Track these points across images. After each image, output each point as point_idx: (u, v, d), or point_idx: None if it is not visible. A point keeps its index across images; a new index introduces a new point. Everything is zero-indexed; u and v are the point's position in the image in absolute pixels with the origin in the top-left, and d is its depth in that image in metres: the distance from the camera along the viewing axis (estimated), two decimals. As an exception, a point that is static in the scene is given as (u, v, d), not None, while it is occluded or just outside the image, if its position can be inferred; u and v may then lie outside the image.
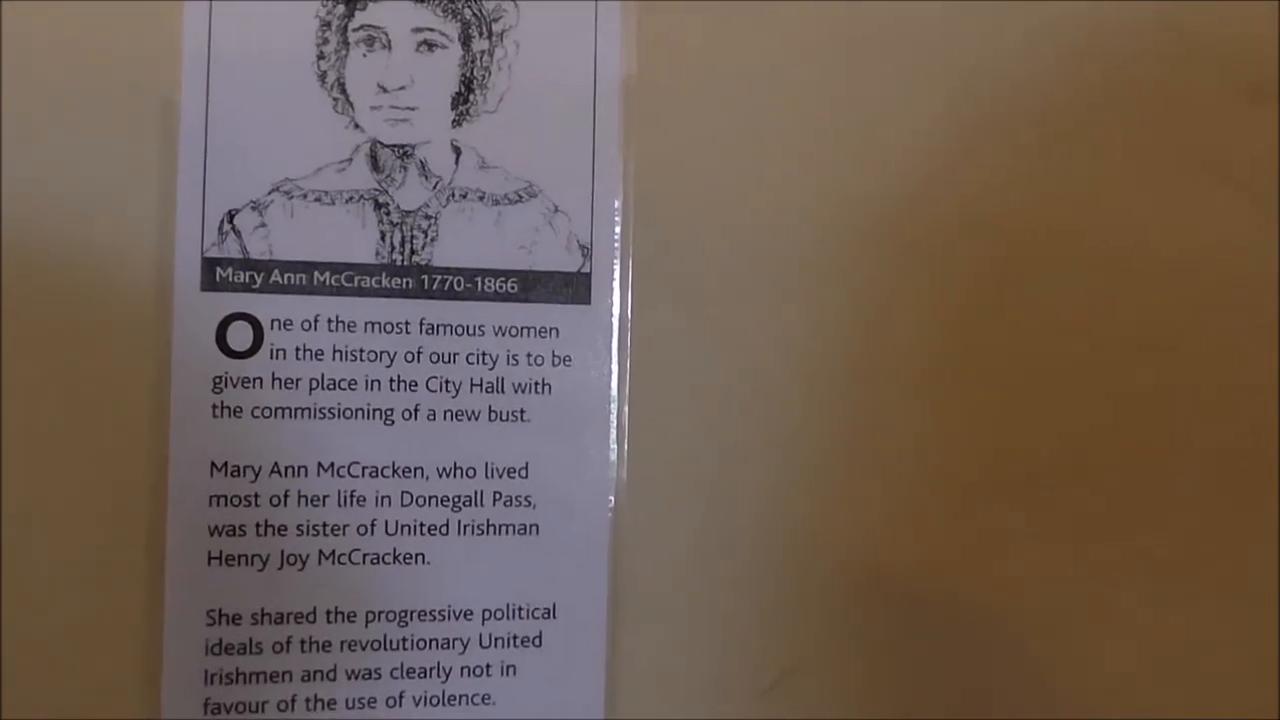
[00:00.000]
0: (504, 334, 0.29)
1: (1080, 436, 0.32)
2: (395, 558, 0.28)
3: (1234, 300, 0.33)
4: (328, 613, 0.28)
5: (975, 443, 0.31)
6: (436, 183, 0.29)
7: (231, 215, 0.28)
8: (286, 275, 0.28)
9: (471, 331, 0.29)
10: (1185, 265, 0.33)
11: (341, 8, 0.28)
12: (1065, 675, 0.33)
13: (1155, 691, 0.33)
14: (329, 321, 0.28)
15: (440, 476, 0.29)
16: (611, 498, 0.29)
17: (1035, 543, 0.32)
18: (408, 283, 0.28)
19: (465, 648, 0.29)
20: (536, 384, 0.29)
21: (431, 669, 0.29)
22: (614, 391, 0.29)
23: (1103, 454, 0.32)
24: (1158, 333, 0.33)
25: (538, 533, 0.29)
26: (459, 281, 0.29)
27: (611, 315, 0.29)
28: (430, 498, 0.29)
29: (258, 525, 0.28)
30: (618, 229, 0.29)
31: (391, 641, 0.28)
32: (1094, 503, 0.32)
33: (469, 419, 0.29)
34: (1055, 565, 0.32)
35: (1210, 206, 0.33)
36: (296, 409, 0.28)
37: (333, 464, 0.28)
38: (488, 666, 0.29)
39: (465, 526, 0.29)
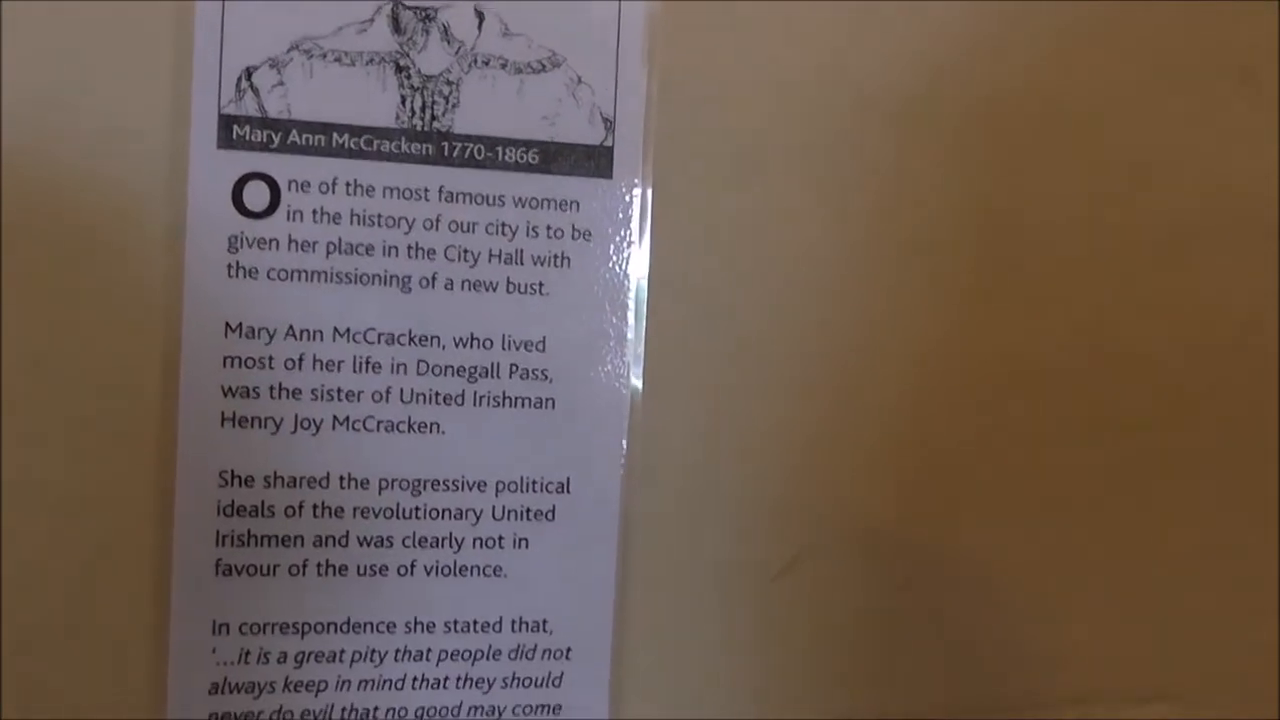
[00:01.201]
0: (524, 205, 0.28)
1: (1092, 331, 0.32)
2: (410, 426, 0.28)
3: (1250, 207, 0.33)
4: (340, 479, 0.28)
5: (994, 334, 0.31)
6: (459, 48, 0.28)
7: (250, 72, 0.27)
8: (304, 136, 0.27)
9: (491, 201, 0.28)
10: (1202, 166, 0.33)
11: None
12: (1065, 555, 0.33)
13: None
14: (347, 185, 0.28)
15: (457, 346, 0.28)
16: (628, 375, 0.29)
17: (1046, 438, 0.32)
18: (427, 149, 0.28)
19: (478, 519, 0.29)
20: (556, 257, 0.29)
21: (444, 539, 0.28)
22: (634, 268, 0.29)
23: (1113, 352, 0.32)
24: (1171, 234, 0.33)
25: (553, 407, 0.29)
26: (479, 150, 0.28)
27: (633, 191, 0.29)
28: (446, 367, 0.28)
29: (271, 388, 0.27)
30: (642, 104, 0.29)
31: (404, 510, 0.28)
32: (1102, 401, 0.32)
33: (487, 290, 0.28)
34: (1064, 459, 0.32)
35: (1231, 108, 0.33)
36: (313, 272, 0.27)
37: (349, 329, 0.28)
38: (500, 539, 0.29)
39: (481, 398, 0.28)
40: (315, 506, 0.28)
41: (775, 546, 0.30)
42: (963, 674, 0.32)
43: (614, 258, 0.29)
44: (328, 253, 0.27)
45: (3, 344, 0.26)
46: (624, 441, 0.29)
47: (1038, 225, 0.32)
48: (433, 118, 0.28)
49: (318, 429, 0.27)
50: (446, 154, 0.28)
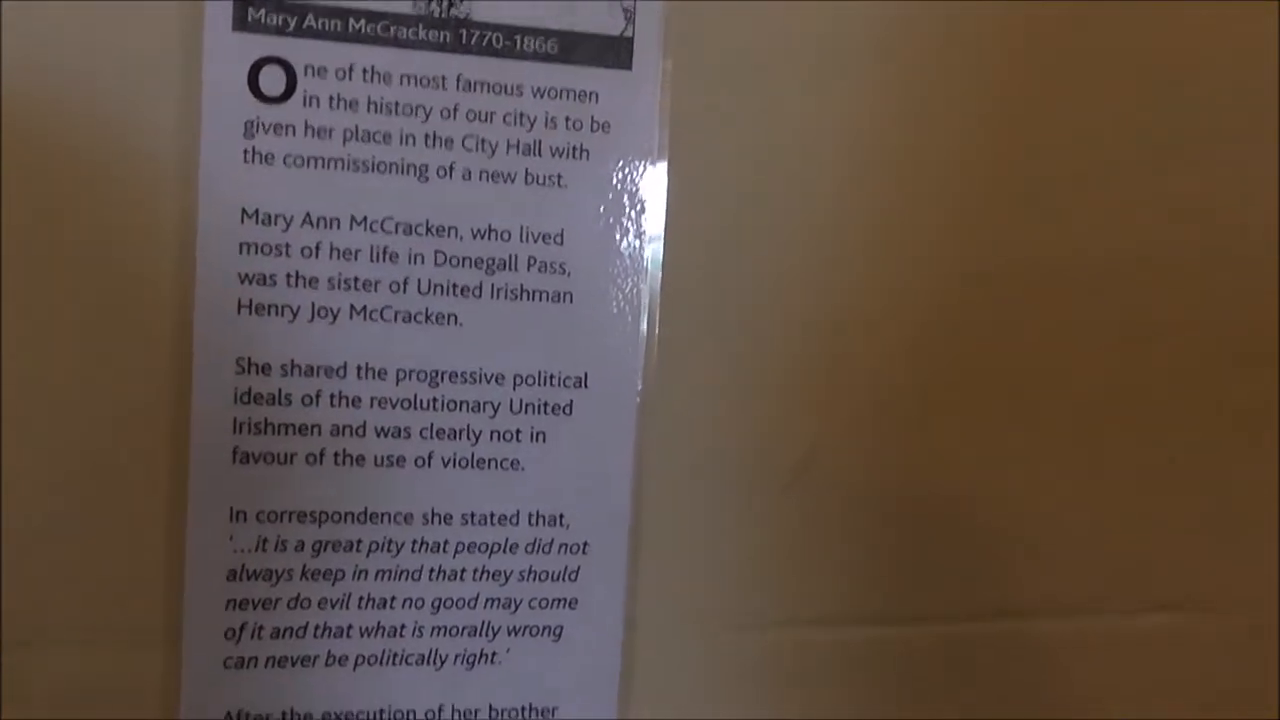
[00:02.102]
0: (542, 96, 0.28)
1: (1105, 234, 0.32)
2: (427, 317, 0.28)
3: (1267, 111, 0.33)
4: (358, 368, 0.28)
5: (1010, 236, 0.31)
6: (478, -68, 0.28)
7: (265, -47, 0.27)
8: (321, 20, 0.27)
9: (509, 91, 0.28)
10: (1220, 71, 0.32)
11: None
12: (1069, 463, 0.33)
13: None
14: (364, 72, 0.27)
15: (474, 238, 0.28)
16: (647, 269, 0.29)
17: (1058, 343, 0.32)
18: (445, 36, 0.28)
19: (495, 412, 0.28)
20: (574, 149, 0.28)
21: (461, 431, 0.28)
22: (653, 160, 0.29)
23: (1127, 256, 0.32)
24: (1184, 138, 0.32)
25: (571, 301, 0.29)
26: (498, 38, 0.28)
27: (653, 83, 0.29)
28: (464, 259, 0.28)
29: (288, 276, 0.27)
30: (662, -6, 0.29)
31: (422, 401, 0.28)
32: (1112, 304, 0.32)
33: (505, 181, 0.28)
34: (1075, 363, 0.32)
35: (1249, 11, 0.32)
36: (330, 159, 0.27)
37: (365, 218, 0.27)
38: (517, 432, 0.29)
39: (498, 290, 0.28)
40: (333, 396, 0.27)
41: (791, 442, 0.30)
42: (970, 576, 0.32)
43: (633, 150, 0.29)
44: (344, 140, 0.27)
45: (12, 234, 0.26)
46: (642, 336, 0.29)
47: (1055, 129, 0.31)
48: (450, 4, 0.27)
49: (335, 318, 0.27)
50: (464, 42, 0.28)
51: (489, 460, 0.28)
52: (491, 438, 0.28)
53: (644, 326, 0.29)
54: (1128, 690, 0.33)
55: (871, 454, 0.31)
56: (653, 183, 0.29)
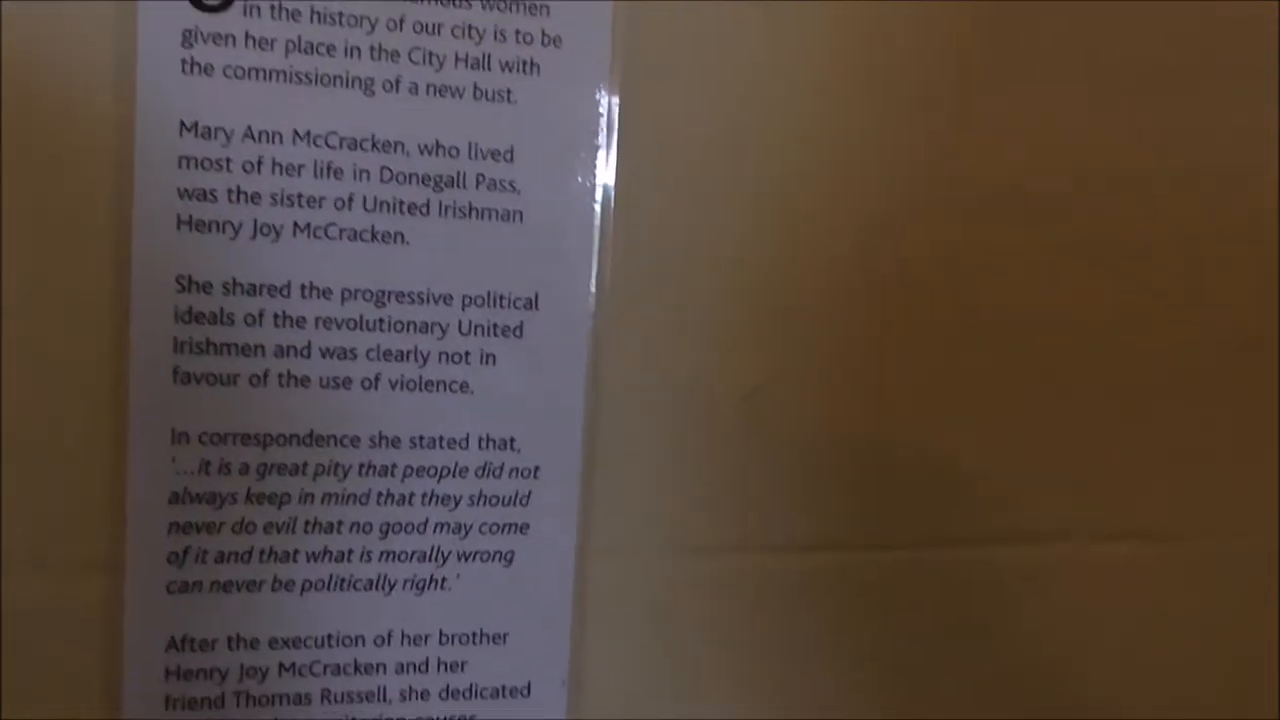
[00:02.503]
0: (491, 8, 0.27)
1: (1079, 157, 0.32)
2: (373, 235, 0.27)
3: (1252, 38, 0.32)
4: (302, 287, 0.27)
5: (975, 156, 0.31)
6: None
7: None
8: (261, -73, 0.26)
9: (457, 3, 0.27)
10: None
11: None
12: (1038, 387, 0.33)
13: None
14: (306, -19, 0.26)
15: (421, 154, 0.27)
16: (598, 189, 0.28)
17: (1026, 264, 0.32)
18: (391, -55, 0.27)
19: (444, 333, 0.28)
20: (525, 64, 0.28)
21: (408, 353, 0.28)
22: (606, 77, 0.28)
23: (1101, 178, 0.32)
24: (1167, 63, 0.32)
25: (521, 220, 0.28)
26: (445, -51, 0.27)
27: (605, -3, 0.28)
28: (410, 175, 0.27)
29: (229, 191, 0.26)
30: (614, -95, 0.28)
31: (368, 322, 0.27)
32: (1085, 226, 0.32)
33: (453, 95, 0.27)
34: (1043, 284, 0.32)
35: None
36: (271, 71, 0.26)
37: (309, 132, 0.27)
38: (466, 354, 0.28)
39: (446, 208, 0.28)
40: (276, 315, 0.27)
41: (747, 365, 0.30)
42: (933, 503, 0.32)
43: (585, 66, 0.28)
44: (286, 51, 0.26)
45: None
46: (594, 258, 0.29)
47: (1027, 52, 0.31)
48: (396, -88, 0.27)
49: (278, 235, 0.27)
50: (410, -49, 0.27)
51: (437, 382, 0.28)
52: (440, 359, 0.28)
53: (596, 249, 0.28)
54: (1091, 617, 0.33)
55: (830, 381, 0.30)
56: (605, 101, 0.28)
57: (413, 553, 0.28)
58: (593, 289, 0.29)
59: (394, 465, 0.28)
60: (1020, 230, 0.31)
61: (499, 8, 0.27)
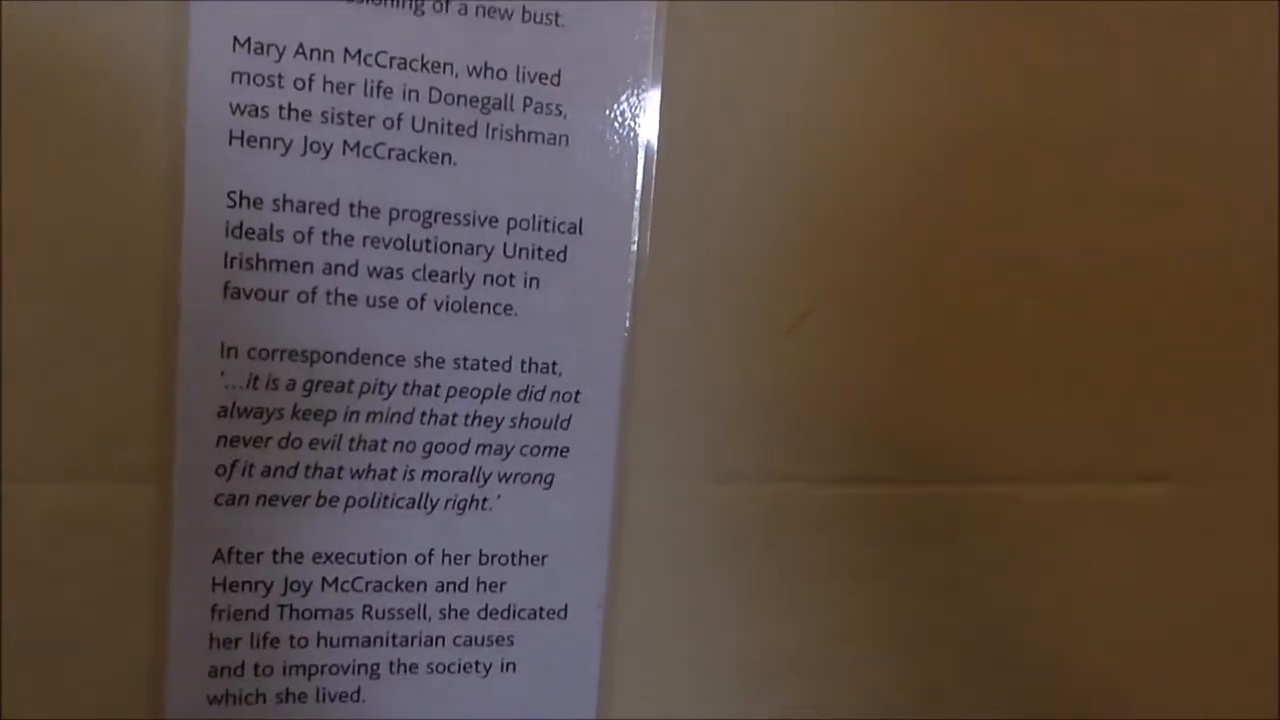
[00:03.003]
0: (541, -68, 0.27)
1: (1106, 101, 0.32)
2: (422, 156, 0.27)
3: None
4: (351, 205, 0.27)
5: (1008, 99, 0.31)
6: None
7: None
8: None
9: (508, -74, 0.27)
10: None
11: None
12: (1072, 329, 0.33)
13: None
14: (359, -100, 0.27)
15: (470, 75, 0.28)
16: (645, 115, 0.28)
17: (1056, 206, 0.32)
18: None
19: (489, 255, 0.28)
20: (573, -12, 0.28)
21: (454, 274, 0.28)
22: (654, 4, 0.28)
23: (1119, 124, 0.32)
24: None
25: (568, 144, 0.28)
26: None
27: (654, -78, 0.28)
28: (459, 97, 0.28)
29: (281, 108, 0.27)
30: None
31: (415, 242, 0.28)
32: (1110, 170, 0.32)
33: (502, 17, 0.28)
34: (1071, 227, 0.32)
35: None
36: (323, -10, 0.27)
37: (360, 51, 0.27)
38: (510, 277, 0.28)
39: (493, 130, 0.28)
40: (325, 233, 0.27)
41: (790, 297, 0.30)
42: (965, 440, 0.32)
43: (633, -8, 0.28)
44: (338, -30, 0.26)
45: (2, 45, 0.25)
46: (638, 185, 0.29)
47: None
48: None
49: (327, 153, 0.27)
50: (462, -128, 0.27)
51: (482, 304, 0.28)
52: (485, 281, 0.28)
53: (640, 174, 0.29)
54: (1114, 557, 0.34)
55: (869, 315, 0.31)
56: (653, 27, 0.28)
57: (454, 473, 0.29)
58: (636, 215, 0.29)
59: (437, 385, 0.28)
60: (1059, 170, 0.31)
61: (549, -69, 0.27)
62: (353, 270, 0.27)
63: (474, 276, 0.28)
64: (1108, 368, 0.33)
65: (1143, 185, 0.32)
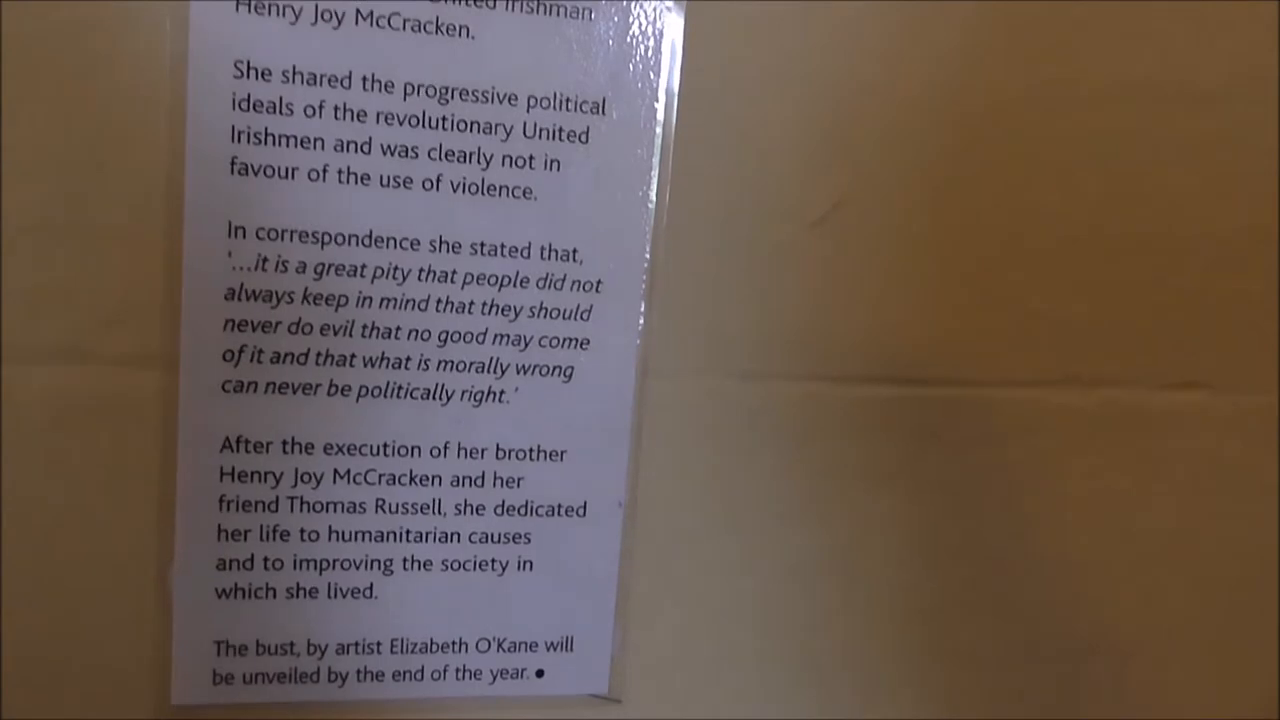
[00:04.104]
0: None
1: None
2: (438, 27, 0.26)
3: None
4: (364, 79, 0.26)
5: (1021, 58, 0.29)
6: None
7: None
8: None
9: None
10: None
11: None
12: (1107, 232, 0.32)
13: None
14: None
15: (489, -57, 0.26)
16: (671, -11, 0.27)
17: (1085, 101, 0.30)
18: None
19: (508, 135, 0.27)
20: None
21: (471, 154, 0.27)
22: None
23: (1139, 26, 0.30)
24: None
25: (590, 18, 0.27)
26: None
27: None
28: (477, -35, 0.26)
29: (289, -27, 0.25)
30: None
31: (431, 119, 0.27)
32: (1139, 68, 0.31)
33: (522, -118, 0.26)
34: (1106, 123, 0.31)
35: None
36: None
37: (373, -87, 0.25)
38: (530, 158, 0.27)
39: (513, 3, 0.27)
40: (336, 108, 0.26)
41: (817, 190, 0.29)
42: (1000, 343, 0.31)
43: None
44: None
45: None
46: (663, 66, 0.27)
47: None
48: None
49: (339, 21, 0.26)
50: None
51: (500, 187, 0.27)
52: (503, 163, 0.27)
53: (665, 52, 0.27)
54: (1151, 461, 0.33)
55: (900, 210, 0.30)
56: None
57: (471, 363, 0.28)
58: (662, 97, 0.28)
59: (454, 271, 0.27)
60: (1092, 67, 0.30)
61: None
62: (365, 148, 0.26)
63: (492, 157, 0.27)
64: (1141, 275, 0.32)
65: (1176, 83, 0.31)
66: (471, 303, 0.28)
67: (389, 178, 0.27)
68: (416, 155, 0.27)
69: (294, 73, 0.26)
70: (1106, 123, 0.31)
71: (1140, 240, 0.32)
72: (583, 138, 0.27)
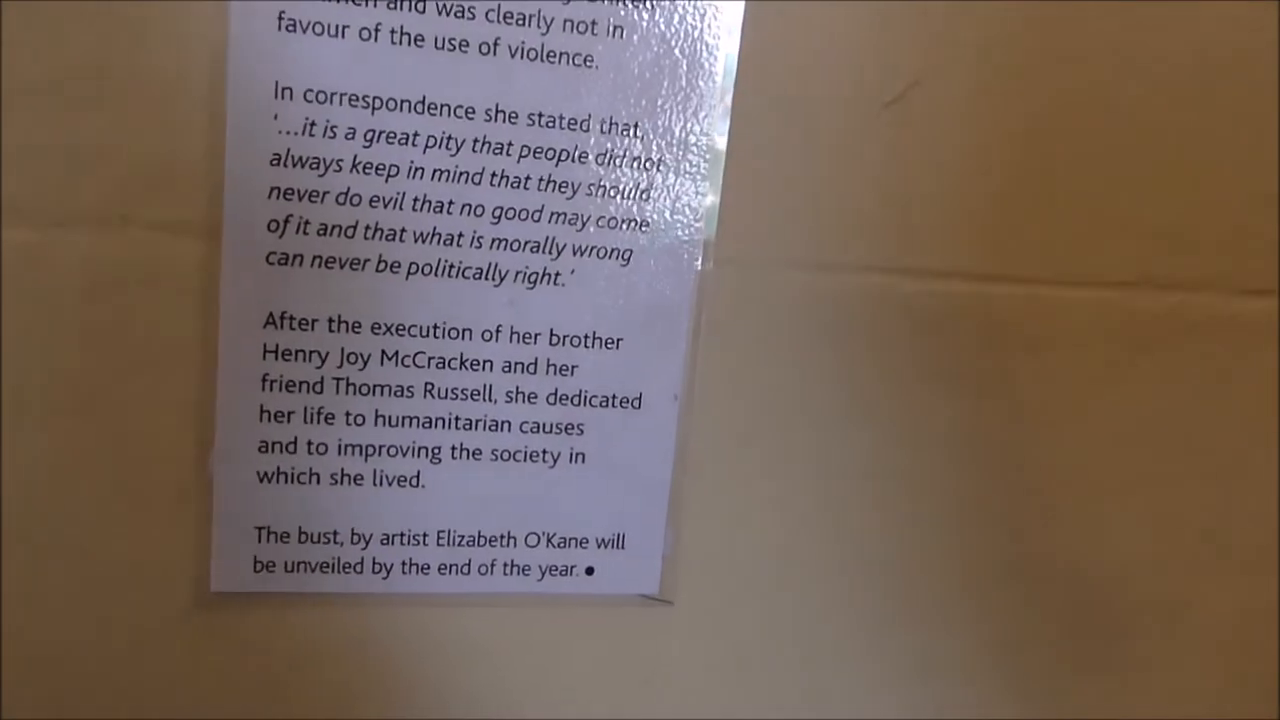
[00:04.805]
0: None
1: None
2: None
3: None
4: (419, -68, 0.24)
5: None
6: None
7: None
8: None
9: None
10: None
11: None
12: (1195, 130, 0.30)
13: None
14: None
15: None
16: None
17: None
18: None
19: (569, -3, 0.25)
20: None
21: (531, 16, 0.26)
22: None
23: None
24: None
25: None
26: None
27: None
28: None
29: None
30: None
31: (488, -22, 0.25)
32: None
33: None
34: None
35: None
36: None
37: None
38: (592, 23, 0.26)
39: None
40: (390, -37, 0.24)
41: (897, 68, 0.27)
42: (1075, 241, 0.30)
43: None
44: None
45: None
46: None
47: None
48: None
49: None
50: None
51: (560, 53, 0.26)
52: (564, 27, 0.26)
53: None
54: (1227, 369, 0.31)
55: (980, 94, 0.28)
56: None
57: (525, 242, 0.26)
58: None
59: (510, 143, 0.26)
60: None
61: None
62: (420, 6, 0.25)
63: (552, 21, 0.25)
64: (1223, 178, 0.30)
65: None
66: (527, 178, 0.26)
67: (444, 39, 0.25)
68: (473, 16, 0.25)
69: (345, -77, 0.24)
70: (1198, 19, 0.29)
71: (1221, 141, 0.30)
72: (648, 2, 0.26)
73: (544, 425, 0.28)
